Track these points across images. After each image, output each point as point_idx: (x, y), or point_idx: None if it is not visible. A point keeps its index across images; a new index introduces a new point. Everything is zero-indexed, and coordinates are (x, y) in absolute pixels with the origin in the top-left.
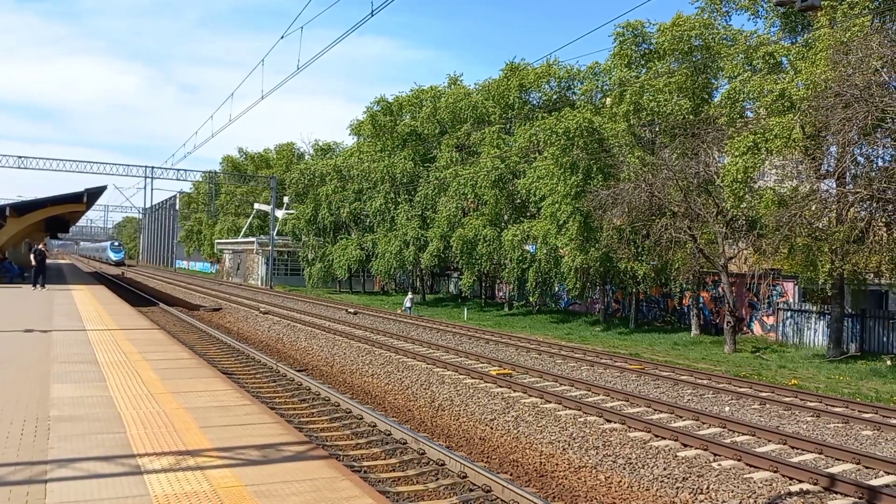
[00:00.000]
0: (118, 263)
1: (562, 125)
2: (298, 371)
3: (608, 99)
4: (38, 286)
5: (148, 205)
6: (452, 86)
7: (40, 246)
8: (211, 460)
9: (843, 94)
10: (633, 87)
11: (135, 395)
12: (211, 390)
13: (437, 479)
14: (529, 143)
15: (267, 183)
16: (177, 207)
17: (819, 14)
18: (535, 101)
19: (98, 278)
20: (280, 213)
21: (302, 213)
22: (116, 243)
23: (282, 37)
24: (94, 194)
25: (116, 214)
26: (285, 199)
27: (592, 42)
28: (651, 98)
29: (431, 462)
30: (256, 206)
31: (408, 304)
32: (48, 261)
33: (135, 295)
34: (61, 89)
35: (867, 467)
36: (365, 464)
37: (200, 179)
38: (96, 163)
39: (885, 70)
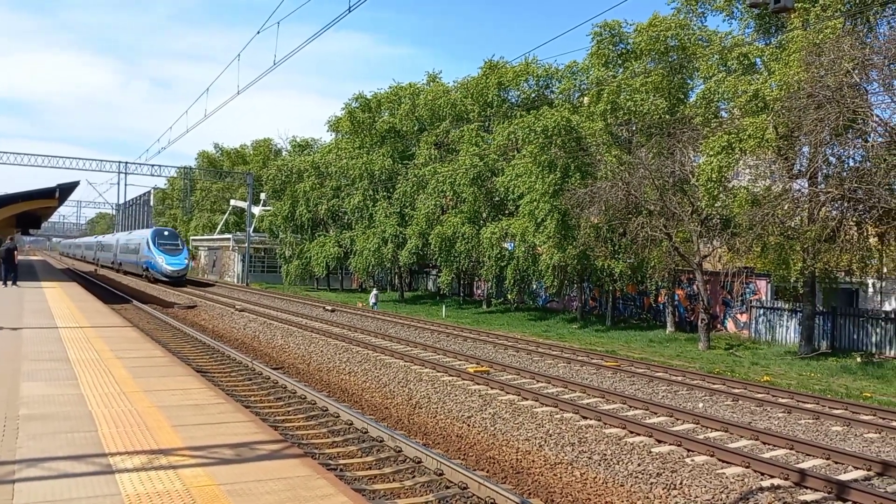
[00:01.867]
0: (177, 279)
1: (540, 123)
2: (274, 369)
3: (586, 98)
4: (7, 283)
5: (121, 200)
6: (431, 83)
7: (8, 240)
8: (184, 459)
9: (816, 95)
10: (611, 87)
11: (107, 393)
12: (184, 388)
13: (414, 476)
14: (508, 140)
15: (243, 179)
16: (151, 203)
17: (792, 16)
18: (513, 100)
19: (70, 275)
20: (257, 210)
21: (279, 209)
22: (166, 233)
23: (258, 32)
24: (66, 190)
25: (89, 210)
26: (262, 196)
27: (570, 41)
28: (628, 97)
29: (408, 460)
30: (232, 202)
31: (373, 300)
32: (19, 258)
33: (108, 292)
34: (32, 83)
35: (837, 462)
36: (341, 462)
37: (175, 175)
38: (69, 158)
39: (856, 72)
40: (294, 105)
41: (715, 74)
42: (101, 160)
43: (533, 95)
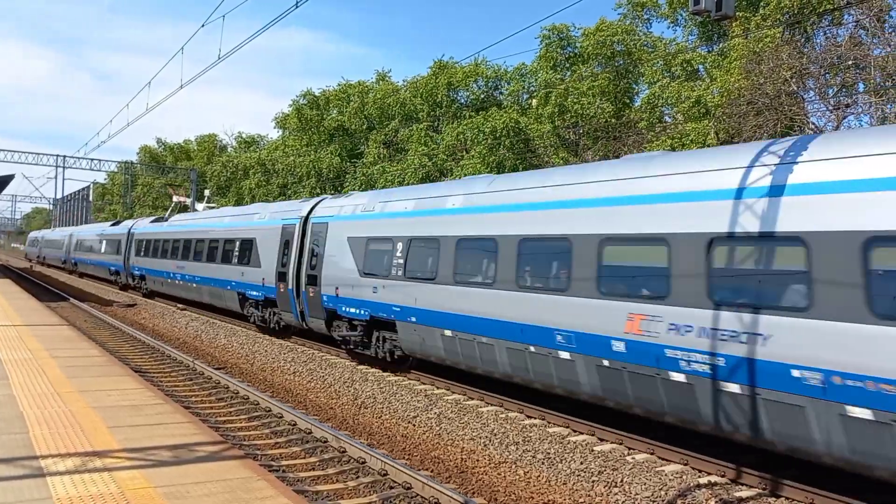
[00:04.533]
0: None
1: (489, 124)
2: (216, 369)
3: (534, 100)
4: None
5: (59, 195)
6: (380, 82)
7: None
8: (119, 461)
9: (755, 102)
10: (558, 90)
11: (40, 393)
12: (122, 389)
13: (358, 476)
14: (457, 141)
15: (187, 175)
16: (90, 199)
17: (733, 24)
18: (462, 100)
19: (3, 272)
20: (200, 207)
21: (224, 206)
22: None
23: (202, 25)
24: (0, 183)
25: (25, 205)
26: (206, 192)
27: (519, 42)
28: (575, 101)
29: (352, 460)
30: (175, 198)
31: None
32: None
33: (43, 289)
34: None
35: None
36: (284, 463)
37: (116, 170)
38: (3, 150)
39: (793, 80)
40: (241, 101)
41: (659, 80)
42: (38, 153)
43: (482, 96)
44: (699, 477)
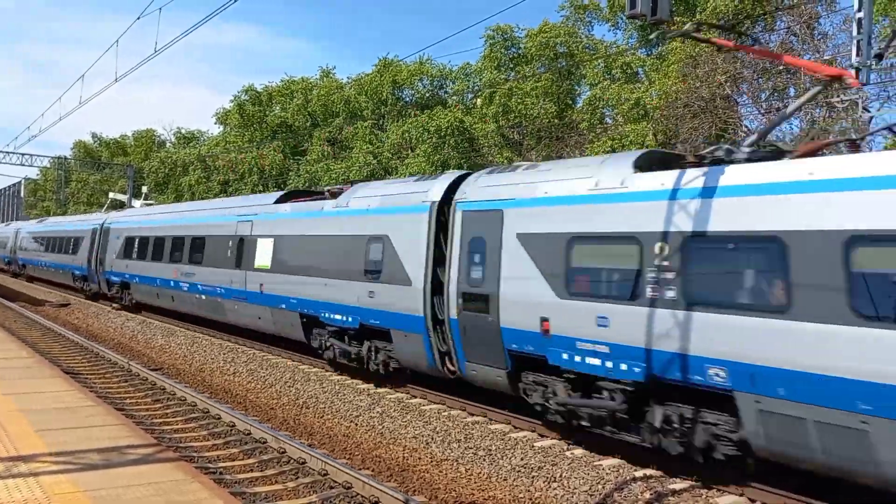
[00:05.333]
0: None
1: (434, 123)
2: (153, 370)
3: (478, 100)
4: None
5: None
6: (324, 78)
7: None
8: (46, 466)
9: (692, 105)
10: (503, 90)
11: None
12: (52, 391)
13: (297, 477)
14: (402, 139)
15: (123, 171)
16: (21, 195)
17: (671, 28)
18: (407, 98)
19: None
20: (138, 204)
21: (162, 204)
22: None
23: (138, 17)
24: None
25: None
26: (144, 189)
27: (464, 41)
28: (519, 101)
29: (292, 461)
30: (112, 195)
31: None
32: None
33: None
34: None
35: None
36: (221, 465)
37: (49, 166)
38: None
39: (728, 84)
40: (180, 97)
41: (600, 82)
42: None
43: (427, 95)
44: (635, 470)
